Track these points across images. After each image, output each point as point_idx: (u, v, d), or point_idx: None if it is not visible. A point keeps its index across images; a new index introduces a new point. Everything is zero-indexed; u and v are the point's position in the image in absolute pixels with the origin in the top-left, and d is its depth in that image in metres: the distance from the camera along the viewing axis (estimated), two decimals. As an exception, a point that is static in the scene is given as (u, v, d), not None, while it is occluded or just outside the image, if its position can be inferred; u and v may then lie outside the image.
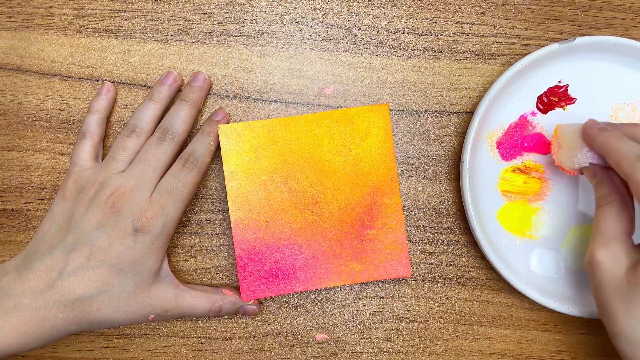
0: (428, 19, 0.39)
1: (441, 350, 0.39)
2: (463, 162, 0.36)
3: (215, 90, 0.38)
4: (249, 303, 0.37)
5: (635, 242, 0.31)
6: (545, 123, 0.38)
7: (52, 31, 0.38)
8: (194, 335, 0.38)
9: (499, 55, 0.39)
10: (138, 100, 0.38)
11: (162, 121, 0.36)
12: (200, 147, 0.35)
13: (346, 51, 0.38)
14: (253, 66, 0.38)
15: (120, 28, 0.38)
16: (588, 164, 0.33)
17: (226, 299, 0.36)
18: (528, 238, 0.38)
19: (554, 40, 0.39)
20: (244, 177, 0.35)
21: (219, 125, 0.35)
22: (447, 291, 0.39)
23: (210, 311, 0.35)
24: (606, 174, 0.32)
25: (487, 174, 0.38)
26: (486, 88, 0.39)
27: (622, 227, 0.31)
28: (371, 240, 0.36)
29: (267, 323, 0.38)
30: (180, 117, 0.35)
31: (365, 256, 0.36)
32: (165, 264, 0.35)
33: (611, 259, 0.30)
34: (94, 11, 0.38)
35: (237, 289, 0.37)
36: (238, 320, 0.38)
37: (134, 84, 0.38)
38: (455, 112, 0.39)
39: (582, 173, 0.34)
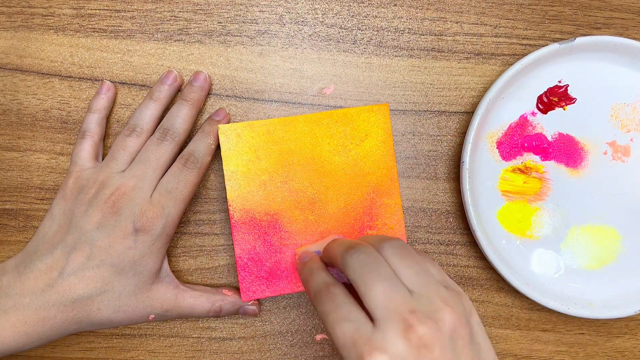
0: (428, 19, 0.39)
1: (441, 350, 0.39)
2: (463, 162, 0.36)
3: (215, 90, 0.38)
4: (249, 303, 0.37)
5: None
6: (546, 123, 0.38)
7: (51, 31, 0.38)
8: (194, 336, 0.38)
9: (499, 55, 0.39)
10: (138, 100, 0.38)
11: (163, 121, 0.36)
12: (201, 146, 0.35)
13: (346, 51, 0.38)
14: (253, 66, 0.38)
15: (120, 28, 0.38)
16: None
17: (226, 299, 0.36)
18: (528, 238, 0.38)
19: (554, 40, 0.39)
20: (244, 177, 0.35)
21: (219, 125, 0.35)
22: (447, 291, 0.39)
23: (210, 311, 0.35)
24: None
25: (487, 174, 0.38)
26: (486, 88, 0.39)
27: None
28: (371, 240, 0.36)
29: (267, 323, 0.38)
30: (180, 117, 0.35)
31: (365, 256, 0.36)
32: (166, 264, 0.35)
33: None
34: (94, 11, 0.38)
35: (237, 289, 0.37)
36: (238, 321, 0.38)
37: (134, 84, 0.38)
38: (455, 112, 0.39)
39: None
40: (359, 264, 0.27)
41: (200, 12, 0.38)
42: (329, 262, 0.31)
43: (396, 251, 0.28)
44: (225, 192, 0.37)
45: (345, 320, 0.26)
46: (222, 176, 0.38)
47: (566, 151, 0.38)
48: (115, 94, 0.38)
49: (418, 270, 0.27)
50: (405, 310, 0.25)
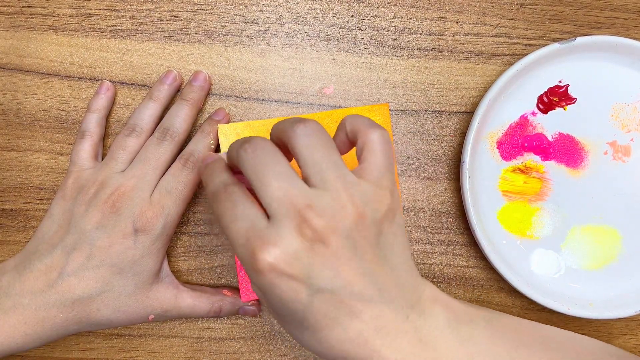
0: (428, 19, 0.39)
1: (441, 350, 0.39)
2: (463, 162, 0.36)
3: (214, 90, 0.38)
4: (249, 303, 0.37)
5: None
6: (546, 123, 0.38)
7: (51, 31, 0.38)
8: (194, 336, 0.38)
9: (499, 55, 0.39)
10: (137, 100, 0.38)
11: (162, 121, 0.36)
12: (201, 146, 0.35)
13: (346, 51, 0.38)
14: (253, 66, 0.38)
15: (119, 27, 0.38)
16: None
17: (226, 300, 0.36)
18: (528, 238, 0.38)
19: (555, 40, 0.39)
20: (244, 177, 0.35)
21: (219, 125, 0.35)
22: (447, 291, 0.39)
23: (209, 312, 0.35)
24: None
25: (487, 174, 0.38)
26: (486, 88, 0.39)
27: None
28: (371, 241, 0.36)
29: (266, 323, 0.38)
30: (180, 117, 0.35)
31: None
32: (165, 265, 0.35)
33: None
34: (93, 11, 0.38)
35: (236, 289, 0.37)
36: (238, 321, 0.38)
37: (134, 84, 0.38)
38: (455, 112, 0.39)
39: None
40: (254, 160, 0.25)
41: (200, 11, 0.38)
42: (231, 163, 0.28)
43: (308, 141, 0.25)
44: (225, 192, 0.37)
45: (240, 219, 0.24)
46: (222, 176, 0.38)
47: (566, 151, 0.38)
48: (115, 94, 0.38)
49: (329, 164, 0.24)
50: (301, 204, 0.23)
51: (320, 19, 0.38)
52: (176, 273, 0.38)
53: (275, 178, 0.24)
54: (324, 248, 0.23)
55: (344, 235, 0.24)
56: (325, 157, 0.24)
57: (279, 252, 0.23)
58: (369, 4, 0.38)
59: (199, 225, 0.38)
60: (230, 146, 0.27)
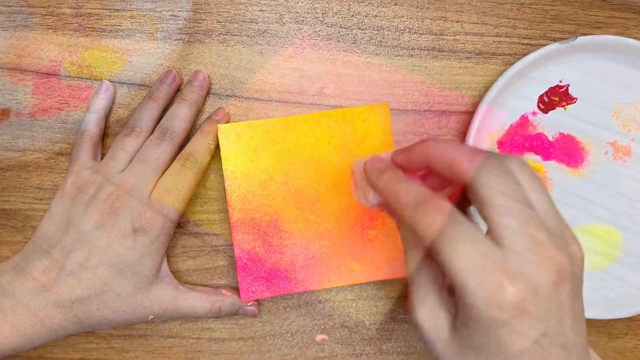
0: (428, 18, 0.38)
1: (441, 350, 0.39)
2: (463, 162, 0.36)
3: (214, 90, 0.38)
4: (249, 304, 0.37)
5: None
6: (547, 123, 0.38)
7: (50, 30, 0.38)
8: (193, 336, 0.38)
9: (499, 55, 0.39)
10: (137, 100, 0.38)
11: (162, 121, 0.36)
12: (200, 146, 0.35)
13: (346, 50, 0.38)
14: (252, 65, 0.38)
15: (119, 27, 0.38)
16: (379, 203, 0.29)
17: (225, 300, 0.36)
18: (529, 238, 0.38)
19: (555, 40, 0.39)
20: (244, 177, 0.35)
21: (218, 125, 0.35)
22: (447, 291, 0.39)
23: (209, 312, 0.35)
24: None
25: (487, 174, 0.38)
26: (487, 87, 0.38)
27: (433, 274, 0.25)
28: (371, 241, 0.36)
29: (266, 324, 0.38)
30: (179, 117, 0.35)
31: (365, 256, 0.36)
32: (165, 265, 0.35)
33: (432, 319, 0.25)
34: (93, 10, 0.38)
35: (236, 289, 0.37)
36: (237, 321, 0.38)
37: (133, 84, 0.38)
38: (455, 112, 0.39)
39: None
40: (499, 180, 0.22)
41: (200, 11, 0.38)
42: (414, 164, 0.26)
43: (526, 171, 0.23)
44: (225, 192, 0.37)
45: (470, 240, 0.21)
46: (222, 176, 0.38)
47: (567, 151, 0.38)
48: (114, 94, 0.38)
49: (549, 199, 0.23)
50: (541, 237, 0.21)
51: (320, 19, 0.38)
52: (176, 273, 0.38)
53: (515, 204, 0.22)
54: (561, 288, 0.21)
55: (575, 276, 0.22)
56: (544, 192, 0.24)
57: (527, 288, 0.21)
58: (369, 3, 0.38)
59: (198, 226, 0.38)
60: (452, 151, 0.25)
